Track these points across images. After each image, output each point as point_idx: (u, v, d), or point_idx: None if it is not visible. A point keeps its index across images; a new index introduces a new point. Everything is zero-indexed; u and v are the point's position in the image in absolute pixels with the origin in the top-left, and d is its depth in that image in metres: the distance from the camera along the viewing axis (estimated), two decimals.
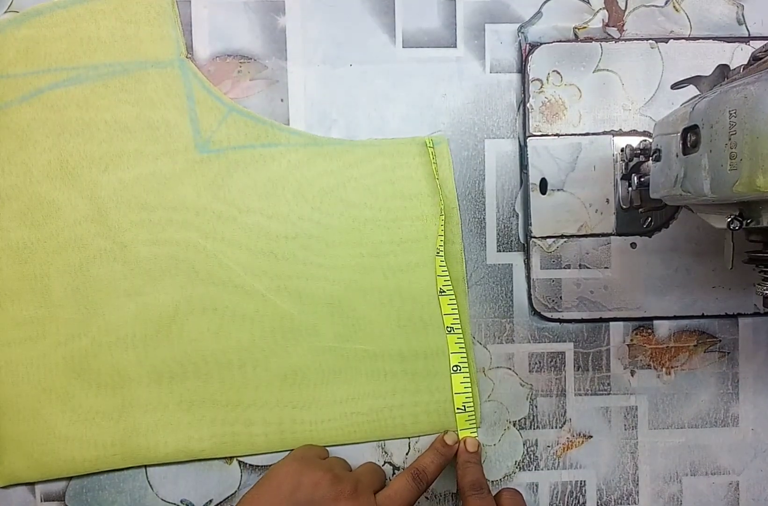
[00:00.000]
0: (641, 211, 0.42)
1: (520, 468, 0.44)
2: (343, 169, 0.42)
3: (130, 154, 0.41)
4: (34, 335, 0.42)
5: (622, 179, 0.42)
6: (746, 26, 0.43)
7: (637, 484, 0.44)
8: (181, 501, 0.43)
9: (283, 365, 0.42)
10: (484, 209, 0.43)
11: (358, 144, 0.42)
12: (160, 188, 0.42)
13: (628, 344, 0.44)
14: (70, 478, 0.42)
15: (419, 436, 0.43)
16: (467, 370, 0.42)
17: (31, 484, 0.43)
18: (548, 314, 0.43)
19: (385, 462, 0.43)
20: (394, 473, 0.44)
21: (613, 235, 0.43)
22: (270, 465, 0.43)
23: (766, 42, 0.32)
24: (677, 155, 0.32)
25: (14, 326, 0.42)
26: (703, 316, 0.44)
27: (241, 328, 0.42)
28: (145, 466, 0.43)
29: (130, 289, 0.42)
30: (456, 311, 0.42)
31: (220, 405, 0.42)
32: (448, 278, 0.42)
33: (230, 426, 0.42)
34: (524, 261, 0.44)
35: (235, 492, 0.43)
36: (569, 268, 0.43)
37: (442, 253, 0.42)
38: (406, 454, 0.43)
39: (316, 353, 0.42)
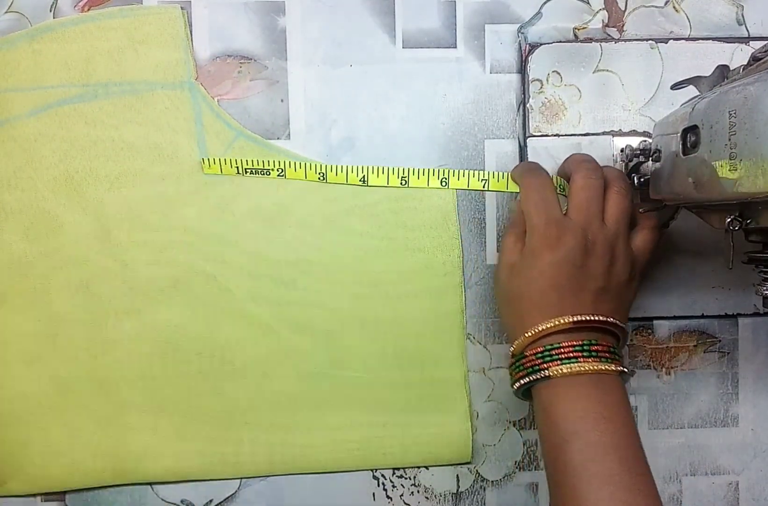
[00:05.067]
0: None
1: (520, 468, 0.44)
2: (347, 197, 0.42)
3: (135, 173, 0.41)
4: (32, 349, 0.42)
5: None
6: (746, 27, 0.43)
7: None
8: (182, 501, 0.43)
9: (277, 388, 0.42)
10: (484, 209, 0.43)
11: None
12: (164, 208, 0.42)
13: (628, 345, 0.44)
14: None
15: (408, 467, 0.44)
16: None
17: (23, 497, 0.43)
18: None
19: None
20: (388, 497, 0.44)
21: None
22: None
23: (765, 42, 0.32)
24: (677, 156, 0.32)
25: (13, 340, 0.42)
26: (702, 316, 0.44)
27: (237, 350, 0.42)
28: (135, 484, 0.43)
29: (130, 308, 0.42)
30: None
31: (212, 425, 0.42)
32: None
33: (220, 447, 0.42)
34: None
35: (235, 492, 0.43)
36: None
37: None
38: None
39: (310, 378, 0.43)
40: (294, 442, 0.43)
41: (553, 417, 0.34)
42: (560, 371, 0.34)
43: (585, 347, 0.34)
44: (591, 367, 0.34)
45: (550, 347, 0.34)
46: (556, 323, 0.35)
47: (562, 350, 0.34)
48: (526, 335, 0.35)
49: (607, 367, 0.34)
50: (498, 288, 0.39)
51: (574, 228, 0.36)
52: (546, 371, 0.34)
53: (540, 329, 0.35)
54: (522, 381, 0.35)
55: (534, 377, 0.34)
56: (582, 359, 0.34)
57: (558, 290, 0.35)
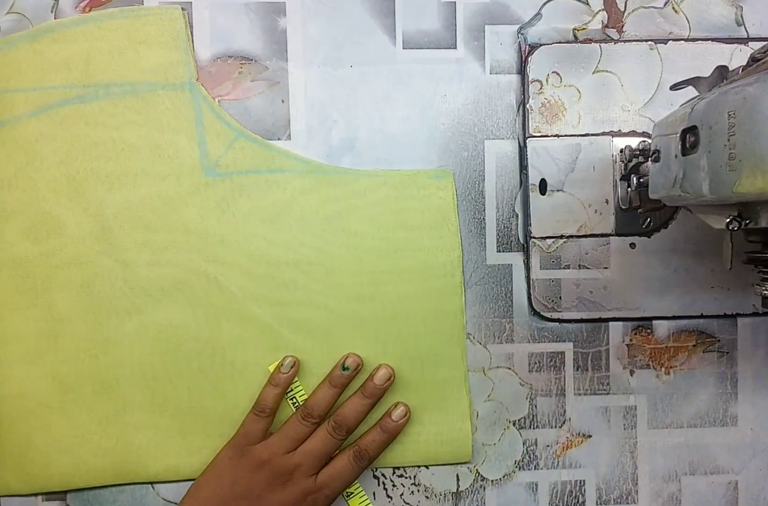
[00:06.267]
0: (640, 211, 0.43)
1: (519, 467, 0.44)
2: (347, 197, 0.42)
3: (136, 174, 0.41)
4: (33, 349, 0.42)
5: (621, 179, 0.42)
6: (745, 27, 0.43)
7: (637, 483, 0.45)
8: None
9: None
10: (484, 210, 0.43)
11: (364, 173, 0.43)
12: (164, 209, 0.42)
13: (627, 344, 0.44)
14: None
15: (408, 466, 0.44)
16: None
17: (24, 496, 0.43)
18: (548, 314, 0.43)
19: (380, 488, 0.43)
20: (388, 496, 0.44)
21: (613, 235, 0.43)
22: None
23: (765, 43, 0.32)
24: (676, 156, 0.32)
25: (14, 340, 0.42)
26: (702, 316, 0.44)
27: (238, 350, 0.42)
28: (136, 484, 0.43)
29: (131, 308, 0.42)
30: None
31: (213, 424, 0.42)
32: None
33: (221, 446, 0.42)
34: (524, 261, 0.44)
35: None
36: (569, 268, 0.43)
37: None
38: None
39: (310, 378, 0.42)
40: None
41: None
42: None
43: None
44: None
45: None
46: None
47: None
48: None
49: None
50: None
51: None
52: None
53: None
54: None
55: None
56: None
57: None
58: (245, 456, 0.40)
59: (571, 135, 0.43)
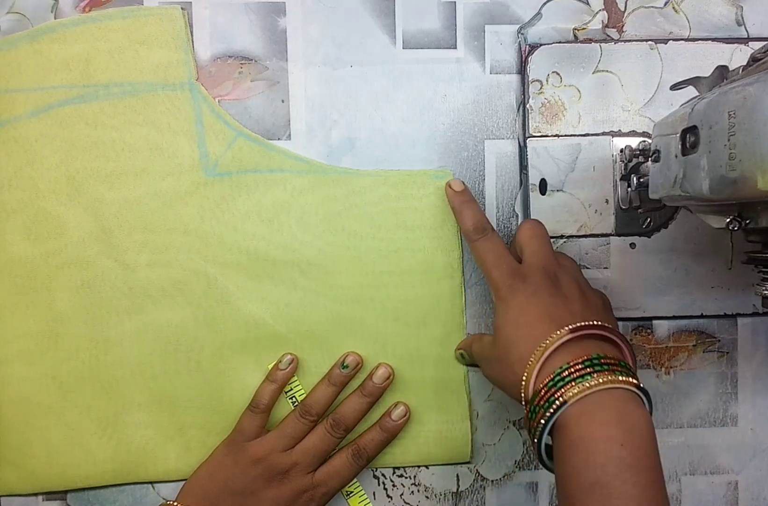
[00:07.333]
0: (640, 211, 0.43)
1: (519, 467, 0.44)
2: (347, 197, 0.42)
3: (136, 173, 0.41)
4: (33, 349, 0.42)
5: (621, 179, 0.42)
6: (745, 27, 0.43)
7: None
8: None
9: None
10: (484, 210, 0.43)
11: (363, 173, 0.43)
12: (164, 209, 0.42)
13: None
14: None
15: (408, 466, 0.44)
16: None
17: (25, 496, 0.43)
18: None
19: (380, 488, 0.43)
20: (388, 496, 0.44)
21: (613, 235, 0.43)
22: None
23: (765, 43, 0.32)
24: (676, 156, 0.32)
25: (14, 340, 0.42)
26: (702, 316, 0.44)
27: (238, 350, 0.42)
28: (136, 483, 0.43)
29: (131, 308, 0.42)
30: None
31: (213, 424, 0.42)
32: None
33: None
34: None
35: None
36: None
37: None
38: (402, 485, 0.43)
39: (311, 378, 0.42)
40: None
41: (571, 462, 0.31)
42: (573, 392, 0.31)
43: (594, 362, 0.32)
44: (605, 379, 0.31)
45: (559, 370, 0.32)
46: (554, 336, 0.33)
47: (572, 369, 0.32)
48: (530, 362, 0.33)
49: (624, 379, 0.31)
50: (483, 350, 0.38)
51: (535, 269, 0.37)
52: (560, 398, 0.31)
53: (541, 347, 0.33)
54: (541, 421, 0.32)
55: (549, 411, 0.31)
56: (596, 374, 0.31)
57: (543, 318, 0.34)
58: (241, 452, 0.40)
59: (571, 135, 0.43)
